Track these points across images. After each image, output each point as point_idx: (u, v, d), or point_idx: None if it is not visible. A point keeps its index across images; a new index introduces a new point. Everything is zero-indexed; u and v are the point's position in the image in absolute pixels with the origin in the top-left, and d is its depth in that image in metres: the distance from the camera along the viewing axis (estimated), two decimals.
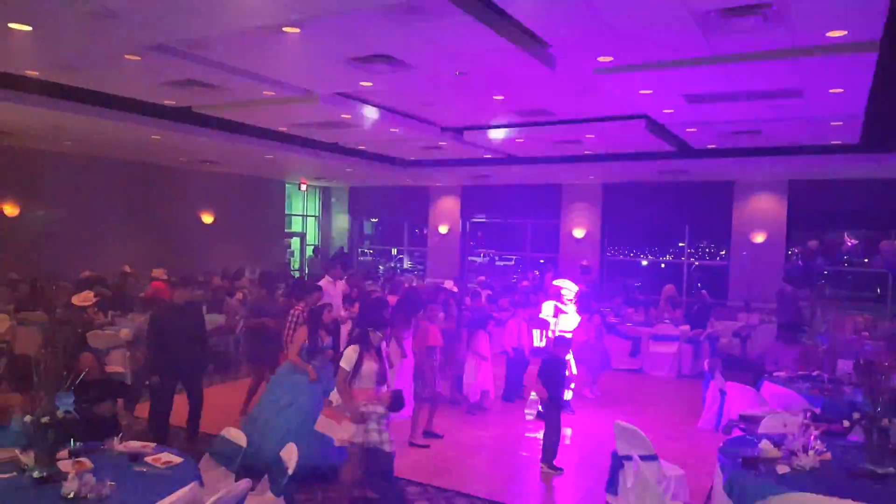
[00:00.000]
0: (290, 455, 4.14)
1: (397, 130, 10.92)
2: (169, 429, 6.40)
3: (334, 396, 5.19)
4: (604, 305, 12.73)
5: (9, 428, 4.13)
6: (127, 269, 12.53)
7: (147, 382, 6.43)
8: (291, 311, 7.37)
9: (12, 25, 5.75)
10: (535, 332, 8.81)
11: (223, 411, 7.40)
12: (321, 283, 8.33)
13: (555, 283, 9.00)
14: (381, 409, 4.86)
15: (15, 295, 10.51)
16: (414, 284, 12.72)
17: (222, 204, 16.79)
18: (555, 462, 6.37)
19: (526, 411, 8.23)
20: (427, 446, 6.94)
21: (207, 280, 13.54)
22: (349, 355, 5.07)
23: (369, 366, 5.05)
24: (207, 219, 16.48)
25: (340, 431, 5.02)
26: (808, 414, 5.16)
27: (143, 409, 7.84)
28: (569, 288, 8.65)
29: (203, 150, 12.80)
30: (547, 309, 8.67)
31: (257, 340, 8.01)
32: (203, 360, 6.83)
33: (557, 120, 10.02)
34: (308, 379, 6.03)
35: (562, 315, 8.56)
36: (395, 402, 4.95)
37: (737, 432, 5.72)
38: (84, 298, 8.60)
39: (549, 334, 8.43)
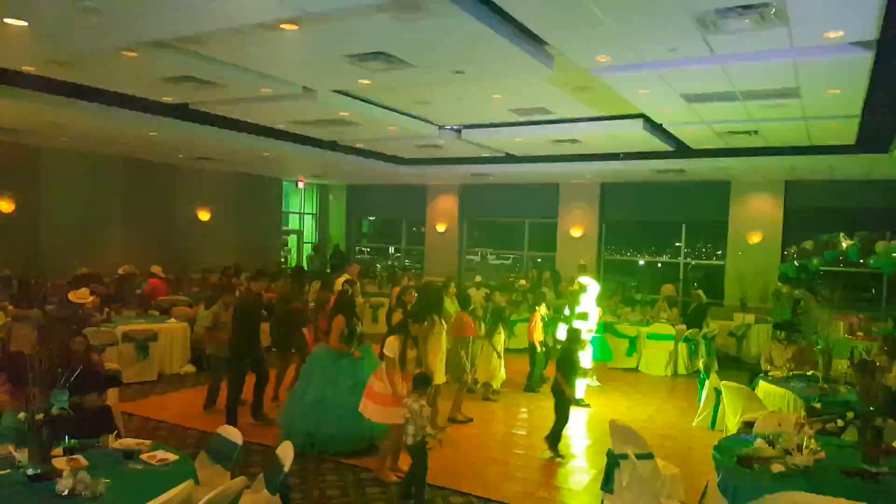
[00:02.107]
0: (287, 453, 4.14)
1: (395, 128, 10.92)
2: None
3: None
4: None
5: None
6: (130, 268, 12.50)
7: (235, 364, 7.31)
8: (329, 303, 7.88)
9: (8, 21, 5.73)
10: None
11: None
12: (338, 279, 9.36)
13: (580, 280, 9.68)
14: (426, 411, 5.38)
15: (9, 292, 10.48)
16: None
17: (219, 201, 16.75)
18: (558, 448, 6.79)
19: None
20: (470, 419, 7.80)
21: (204, 277, 13.54)
22: (393, 344, 5.71)
23: (411, 353, 5.89)
24: (204, 216, 16.44)
25: (379, 413, 5.74)
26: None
27: (143, 406, 7.86)
28: (594, 284, 9.44)
29: (200, 147, 12.77)
30: (588, 304, 9.20)
31: (285, 330, 8.54)
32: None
33: (555, 119, 10.03)
34: (352, 360, 6.59)
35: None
36: (421, 382, 5.45)
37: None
38: (81, 295, 8.60)
39: (590, 327, 9.10)
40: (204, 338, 8.65)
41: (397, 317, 7.67)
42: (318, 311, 8.37)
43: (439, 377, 7.16)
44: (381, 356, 5.94)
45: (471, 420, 7.85)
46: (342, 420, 6.29)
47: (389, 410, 5.67)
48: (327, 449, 6.32)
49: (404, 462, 5.82)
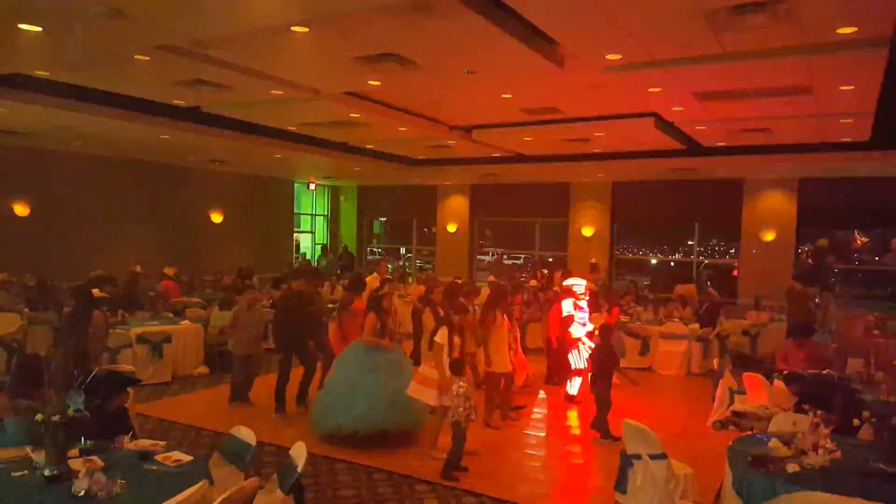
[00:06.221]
0: (300, 453, 4.16)
1: (405, 129, 10.93)
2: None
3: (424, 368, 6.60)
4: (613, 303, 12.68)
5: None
6: (138, 268, 12.60)
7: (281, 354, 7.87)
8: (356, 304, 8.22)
9: (22, 26, 5.79)
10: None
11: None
12: (368, 279, 9.61)
13: (566, 283, 9.47)
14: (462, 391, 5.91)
15: (25, 294, 10.59)
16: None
17: (231, 203, 16.86)
18: (606, 433, 7.27)
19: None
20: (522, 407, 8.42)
21: (217, 279, 13.62)
22: (443, 334, 6.47)
23: (456, 341, 6.62)
24: (217, 218, 16.55)
25: (429, 396, 6.40)
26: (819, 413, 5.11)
27: (157, 408, 7.92)
28: (580, 284, 9.20)
29: (212, 150, 12.85)
30: (567, 306, 9.11)
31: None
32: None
33: (566, 118, 10.00)
34: (384, 358, 6.98)
35: (579, 311, 9.06)
36: (456, 367, 6.14)
37: (732, 430, 5.70)
38: (95, 292, 8.72)
39: (573, 329, 9.00)
40: (226, 335, 8.87)
41: (427, 315, 8.50)
42: (343, 310, 8.42)
43: (504, 366, 7.72)
44: (430, 346, 6.72)
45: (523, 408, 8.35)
46: (369, 411, 6.66)
47: (428, 391, 6.42)
48: (356, 430, 6.56)
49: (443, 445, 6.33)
